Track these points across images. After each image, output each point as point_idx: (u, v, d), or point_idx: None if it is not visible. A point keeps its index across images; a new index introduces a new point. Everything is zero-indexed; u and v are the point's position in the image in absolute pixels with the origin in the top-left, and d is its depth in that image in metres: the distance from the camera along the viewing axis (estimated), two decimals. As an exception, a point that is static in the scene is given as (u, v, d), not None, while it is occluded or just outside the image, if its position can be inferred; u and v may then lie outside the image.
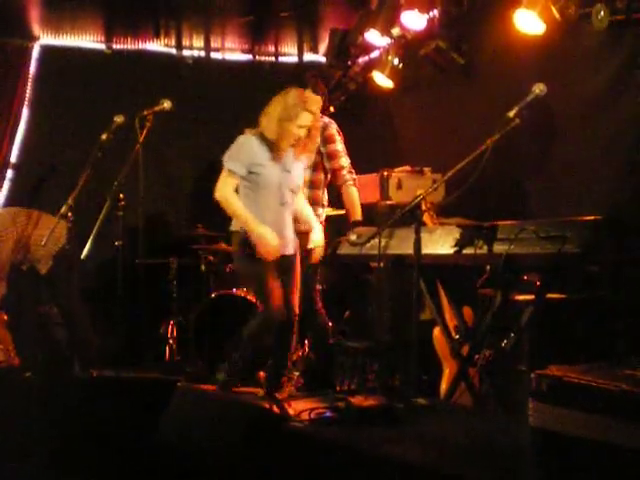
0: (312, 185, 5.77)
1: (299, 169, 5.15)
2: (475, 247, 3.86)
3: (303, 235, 5.30)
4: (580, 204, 5.03)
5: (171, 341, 6.93)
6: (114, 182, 5.16)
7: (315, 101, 5.01)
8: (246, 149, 4.96)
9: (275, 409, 4.56)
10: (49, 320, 6.68)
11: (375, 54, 7.26)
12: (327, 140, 5.79)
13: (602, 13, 4.68)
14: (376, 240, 4.27)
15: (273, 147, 4.94)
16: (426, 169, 6.15)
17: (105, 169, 5.29)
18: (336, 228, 6.21)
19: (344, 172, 5.74)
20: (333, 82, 7.71)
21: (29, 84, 7.54)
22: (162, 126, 5.42)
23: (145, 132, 5.24)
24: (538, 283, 3.81)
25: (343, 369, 5.99)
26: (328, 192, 5.94)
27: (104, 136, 5.27)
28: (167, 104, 5.31)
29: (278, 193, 4.96)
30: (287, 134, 4.92)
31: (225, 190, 4.96)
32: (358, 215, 5.68)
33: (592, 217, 3.52)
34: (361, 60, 7.55)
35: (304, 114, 4.91)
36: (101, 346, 6.40)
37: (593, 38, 5.01)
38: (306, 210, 5.34)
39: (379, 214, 5.89)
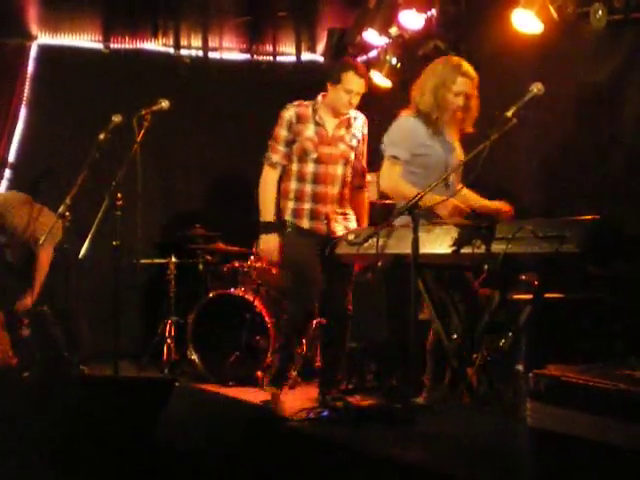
0: (344, 182, 5.45)
1: (459, 146, 4.82)
2: (473, 247, 3.85)
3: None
4: (579, 204, 5.03)
5: (169, 341, 6.93)
6: (112, 182, 5.15)
7: (470, 67, 4.64)
8: (406, 130, 4.66)
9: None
10: (46, 319, 6.67)
11: (373, 54, 7.27)
12: (364, 138, 5.50)
13: (600, 12, 4.69)
14: (374, 239, 4.27)
15: (431, 121, 4.63)
16: (424, 168, 6.14)
17: (103, 169, 5.28)
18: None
19: (365, 176, 5.53)
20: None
21: (27, 83, 7.53)
22: (160, 126, 5.41)
23: (143, 132, 5.23)
24: (536, 283, 3.81)
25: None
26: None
27: (102, 136, 5.26)
28: (165, 104, 5.29)
29: (443, 174, 4.48)
30: (444, 103, 4.60)
31: (393, 179, 4.62)
32: (366, 222, 5.50)
33: (590, 217, 3.52)
34: (359, 60, 7.55)
35: (460, 79, 4.58)
36: (98, 346, 6.40)
37: (591, 37, 5.01)
38: None
39: (377, 213, 5.89)
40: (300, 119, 5.33)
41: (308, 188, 5.30)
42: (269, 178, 5.39)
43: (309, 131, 5.30)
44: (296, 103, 5.39)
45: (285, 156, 5.35)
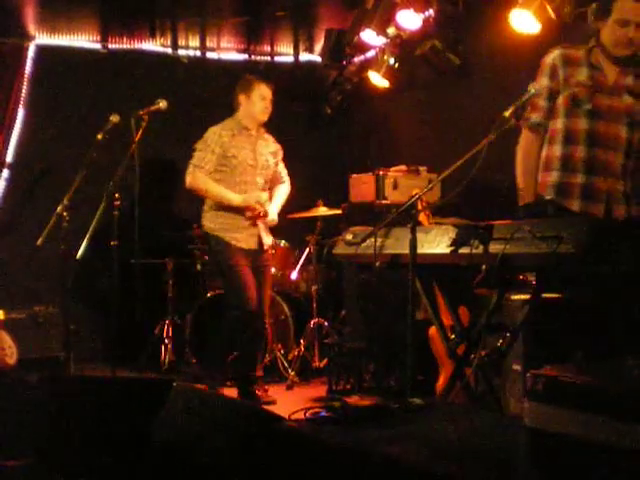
0: (629, 148, 4.05)
1: None
2: (471, 247, 3.85)
3: None
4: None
5: (166, 341, 6.93)
6: (109, 182, 5.15)
7: None
8: None
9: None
10: (45, 319, 6.68)
11: (371, 54, 7.28)
12: None
13: (598, 13, 4.68)
14: (372, 240, 4.27)
15: None
16: (422, 169, 6.16)
17: (100, 169, 5.29)
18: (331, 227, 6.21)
19: None
20: (329, 82, 7.74)
21: (24, 84, 7.53)
22: (158, 126, 5.41)
23: (141, 132, 5.24)
24: (534, 283, 3.81)
25: (339, 369, 6.00)
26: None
27: (99, 136, 5.27)
28: (163, 104, 5.30)
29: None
30: None
31: None
32: None
33: (588, 217, 3.52)
34: (357, 60, 7.57)
35: None
36: (96, 346, 6.40)
37: (589, 38, 5.01)
38: None
39: (375, 214, 5.89)
40: (568, 61, 4.09)
41: (581, 152, 4.01)
42: (530, 144, 4.20)
43: (581, 75, 4.04)
44: (564, 44, 4.20)
45: (548, 113, 4.13)
